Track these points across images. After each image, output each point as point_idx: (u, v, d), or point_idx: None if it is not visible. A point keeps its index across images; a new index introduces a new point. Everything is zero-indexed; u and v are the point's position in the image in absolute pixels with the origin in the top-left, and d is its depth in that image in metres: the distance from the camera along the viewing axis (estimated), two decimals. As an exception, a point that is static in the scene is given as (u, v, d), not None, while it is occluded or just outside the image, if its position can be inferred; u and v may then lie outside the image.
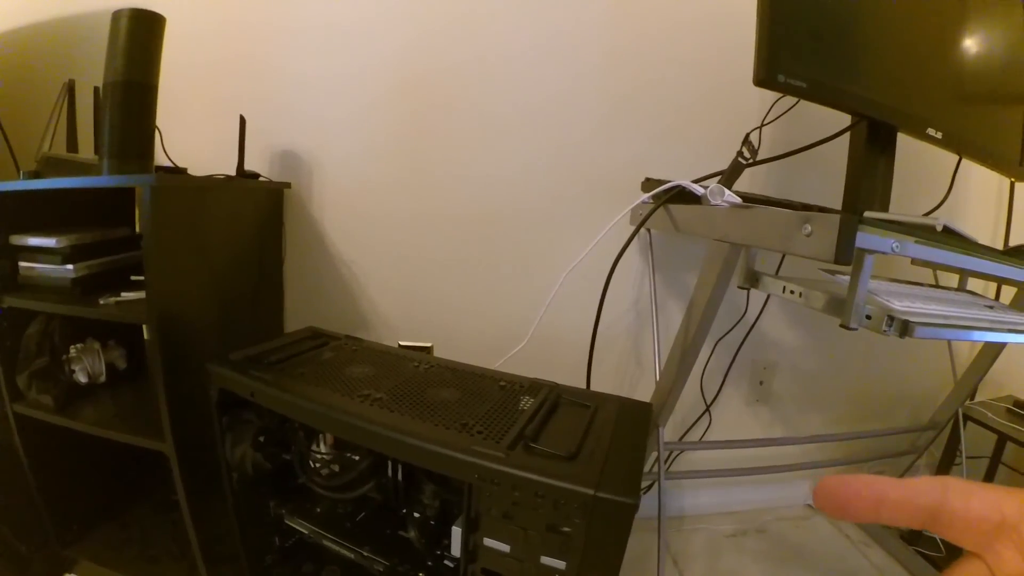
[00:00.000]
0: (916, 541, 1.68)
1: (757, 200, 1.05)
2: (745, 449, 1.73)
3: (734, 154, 1.12)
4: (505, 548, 0.90)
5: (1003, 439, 1.62)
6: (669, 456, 1.79)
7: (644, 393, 1.50)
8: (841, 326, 0.89)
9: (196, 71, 1.54)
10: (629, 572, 1.51)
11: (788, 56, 0.95)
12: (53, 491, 1.42)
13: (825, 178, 1.37)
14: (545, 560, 0.86)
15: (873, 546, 1.74)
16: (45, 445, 1.38)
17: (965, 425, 1.67)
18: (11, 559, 1.40)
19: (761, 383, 1.80)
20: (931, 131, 1.12)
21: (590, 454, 0.87)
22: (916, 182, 1.47)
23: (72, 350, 1.37)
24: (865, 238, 0.79)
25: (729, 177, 1.10)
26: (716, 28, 1.48)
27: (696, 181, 1.11)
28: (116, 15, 1.20)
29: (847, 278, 0.90)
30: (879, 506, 0.26)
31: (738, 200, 0.97)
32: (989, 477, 1.72)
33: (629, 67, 1.50)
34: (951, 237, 0.94)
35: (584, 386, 1.17)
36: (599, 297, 1.15)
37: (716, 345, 1.72)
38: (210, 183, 1.33)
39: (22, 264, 1.31)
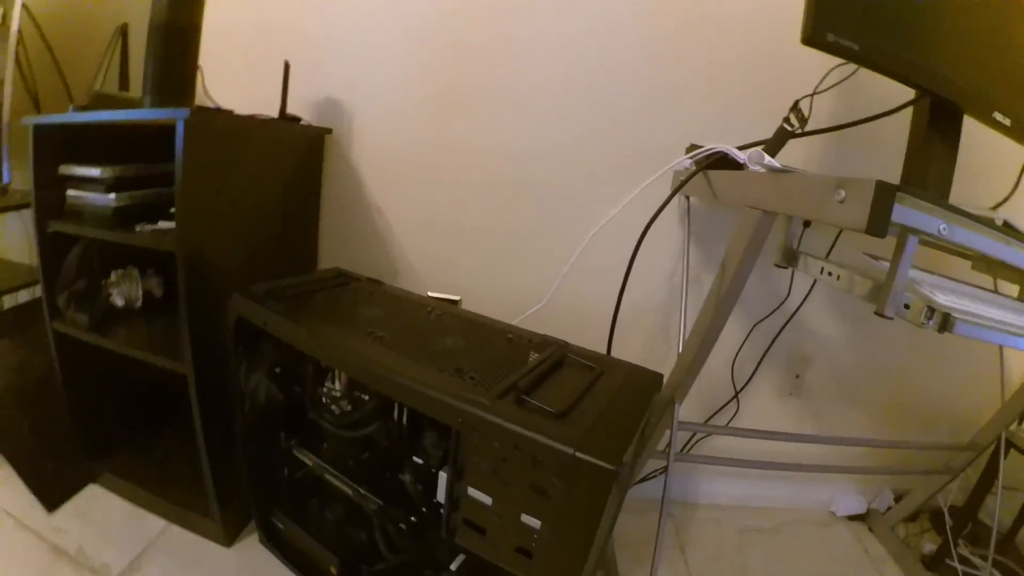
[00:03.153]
0: (938, 567, 1.55)
1: (798, 173, 0.96)
2: (770, 443, 1.62)
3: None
4: (487, 501, 0.85)
5: (1048, 472, 1.45)
6: (690, 440, 1.70)
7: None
8: (876, 313, 0.80)
9: (242, 16, 1.54)
10: (637, 551, 1.47)
11: (840, 13, 0.84)
12: (85, 408, 1.48)
13: (884, 161, 1.21)
14: (525, 519, 0.81)
15: (891, 564, 1.61)
16: (80, 363, 1.43)
17: (1007, 452, 1.51)
18: (39, 470, 1.46)
19: (797, 376, 1.68)
20: (998, 116, 0.98)
21: (581, 414, 0.81)
22: (983, 176, 1.32)
23: (112, 275, 1.40)
24: (907, 213, 0.69)
25: (773, 144, 1.01)
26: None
27: (741, 149, 1.02)
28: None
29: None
30: None
31: (776, 164, 0.88)
32: (1024, 514, 1.56)
33: (674, 27, 1.40)
34: (1012, 232, 0.83)
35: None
36: (629, 264, 1.09)
37: (752, 329, 1.60)
38: (246, 122, 1.31)
39: (69, 193, 1.34)
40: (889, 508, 1.76)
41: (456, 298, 1.31)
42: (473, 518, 0.88)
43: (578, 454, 0.71)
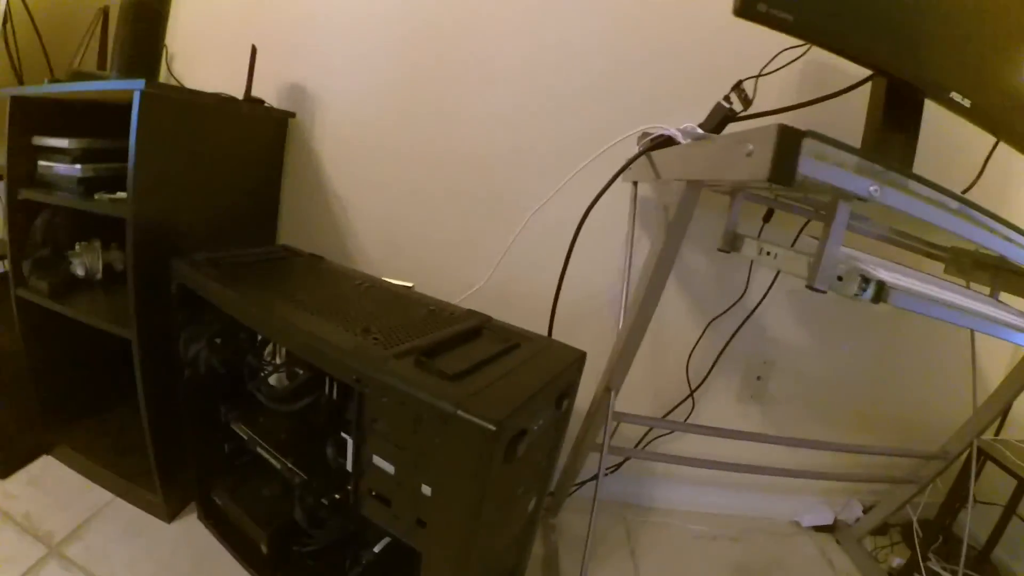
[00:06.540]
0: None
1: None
2: (730, 447, 1.48)
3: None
4: (390, 469, 0.78)
5: (1023, 486, 1.32)
6: (643, 437, 1.60)
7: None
8: (808, 287, 0.72)
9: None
10: (589, 552, 1.37)
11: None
12: (47, 379, 1.44)
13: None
14: (423, 488, 0.74)
15: (857, 578, 1.49)
16: (44, 332, 1.39)
17: (980, 462, 1.39)
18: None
19: (758, 378, 1.57)
20: (956, 96, 0.90)
21: (479, 378, 0.74)
22: (947, 164, 1.23)
23: (76, 247, 1.38)
24: (823, 168, 0.61)
25: (708, 121, 0.94)
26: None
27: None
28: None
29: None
30: None
31: (699, 131, 0.82)
32: (1000, 530, 1.43)
33: (631, 14, 1.35)
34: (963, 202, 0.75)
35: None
36: (571, 245, 1.03)
37: (709, 325, 1.51)
38: (204, 99, 1.26)
39: (40, 163, 1.31)
40: (858, 520, 1.64)
41: (410, 284, 1.25)
42: (378, 488, 0.81)
43: (458, 412, 0.64)
